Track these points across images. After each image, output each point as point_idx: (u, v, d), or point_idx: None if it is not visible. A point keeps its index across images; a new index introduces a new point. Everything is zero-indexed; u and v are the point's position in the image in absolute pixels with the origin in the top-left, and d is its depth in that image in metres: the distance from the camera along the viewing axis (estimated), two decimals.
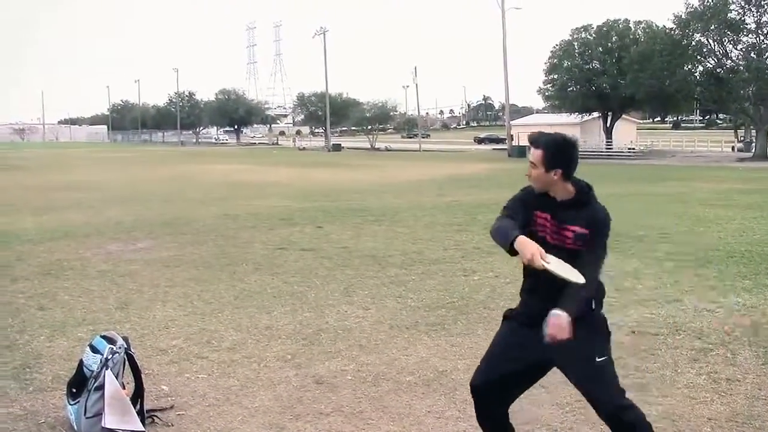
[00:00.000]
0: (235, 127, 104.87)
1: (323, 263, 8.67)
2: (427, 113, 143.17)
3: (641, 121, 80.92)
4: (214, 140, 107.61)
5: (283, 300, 6.78)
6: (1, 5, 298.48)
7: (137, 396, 3.86)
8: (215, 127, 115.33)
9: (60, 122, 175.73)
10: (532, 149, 2.91)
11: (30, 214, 14.30)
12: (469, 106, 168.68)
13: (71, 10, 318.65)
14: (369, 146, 69.01)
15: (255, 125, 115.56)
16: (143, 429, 3.75)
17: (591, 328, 2.86)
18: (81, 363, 3.82)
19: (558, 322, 2.68)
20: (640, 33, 48.67)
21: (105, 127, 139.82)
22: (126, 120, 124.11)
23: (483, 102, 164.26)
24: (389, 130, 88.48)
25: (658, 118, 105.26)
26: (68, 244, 10.31)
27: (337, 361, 4.97)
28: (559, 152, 2.86)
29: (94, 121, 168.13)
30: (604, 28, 50.01)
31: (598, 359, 2.88)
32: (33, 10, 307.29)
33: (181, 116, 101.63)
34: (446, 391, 4.36)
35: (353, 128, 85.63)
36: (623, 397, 2.91)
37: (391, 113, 77.16)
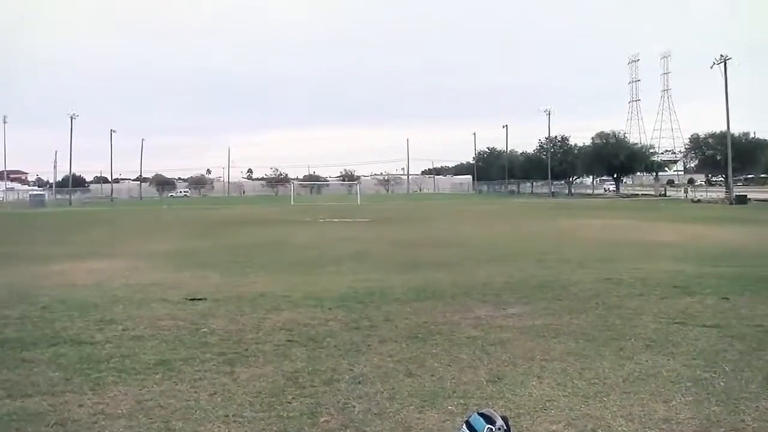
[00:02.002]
0: (614, 175, 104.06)
1: (733, 344, 8.02)
2: None
3: None
4: (591, 192, 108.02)
5: (684, 387, 6.39)
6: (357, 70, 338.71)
7: None
8: (590, 176, 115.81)
9: (423, 172, 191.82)
10: None
11: (396, 271, 15.63)
12: None
13: (436, 62, 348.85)
14: None
15: (638, 173, 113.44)
16: None
17: None
18: None
19: None
20: None
21: (470, 177, 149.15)
22: (492, 169, 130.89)
23: None
24: None
25: None
26: (435, 305, 11.02)
27: None
28: None
29: (459, 170, 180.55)
30: None
31: None
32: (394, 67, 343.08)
33: (552, 164, 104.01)
34: None
35: (762, 175, 79.30)
36: None
37: None
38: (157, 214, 56.52)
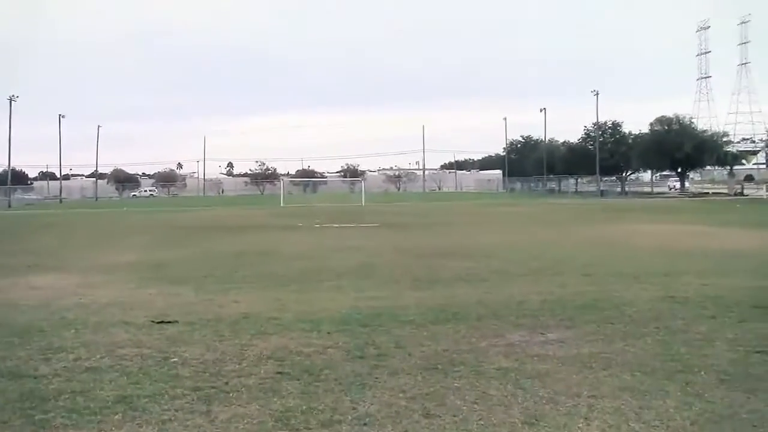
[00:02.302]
0: (678, 170, 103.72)
1: None
2: None
3: None
4: (650, 190, 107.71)
5: None
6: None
7: None
8: (649, 171, 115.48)
9: (443, 166, 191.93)
10: None
11: (410, 288, 15.63)
12: None
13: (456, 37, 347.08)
14: None
15: (707, 167, 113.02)
16: None
17: None
18: None
19: None
20: None
21: (499, 172, 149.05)
22: (527, 162, 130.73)
23: None
24: None
25: None
26: (457, 329, 11.00)
27: None
28: None
29: (486, 164, 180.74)
30: None
31: None
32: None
33: (602, 156, 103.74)
34: None
35: None
36: None
37: None
38: (118, 217, 56.64)
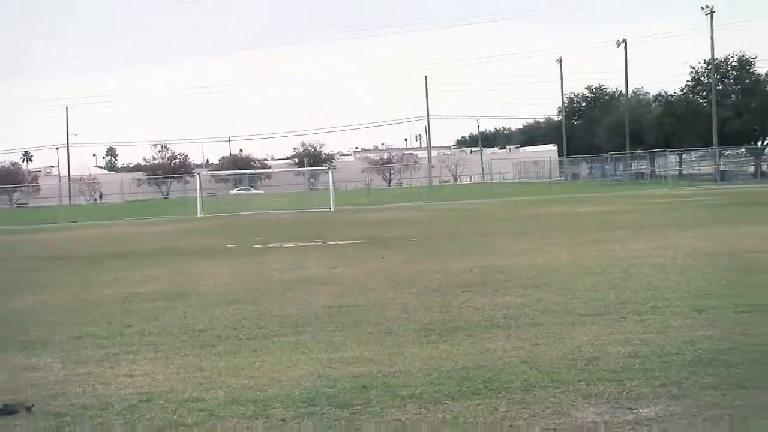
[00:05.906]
0: None
1: None
2: None
3: None
4: None
5: None
6: None
7: None
8: None
9: (460, 142, 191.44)
10: None
11: (413, 341, 15.47)
12: None
13: None
14: None
15: None
16: None
17: None
18: None
19: None
20: None
21: (553, 148, 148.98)
22: (598, 131, 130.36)
23: None
24: None
25: None
26: (493, 406, 10.92)
27: None
28: None
29: (528, 136, 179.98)
30: None
31: None
32: None
33: (723, 115, 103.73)
34: None
35: None
36: None
37: None
38: None
